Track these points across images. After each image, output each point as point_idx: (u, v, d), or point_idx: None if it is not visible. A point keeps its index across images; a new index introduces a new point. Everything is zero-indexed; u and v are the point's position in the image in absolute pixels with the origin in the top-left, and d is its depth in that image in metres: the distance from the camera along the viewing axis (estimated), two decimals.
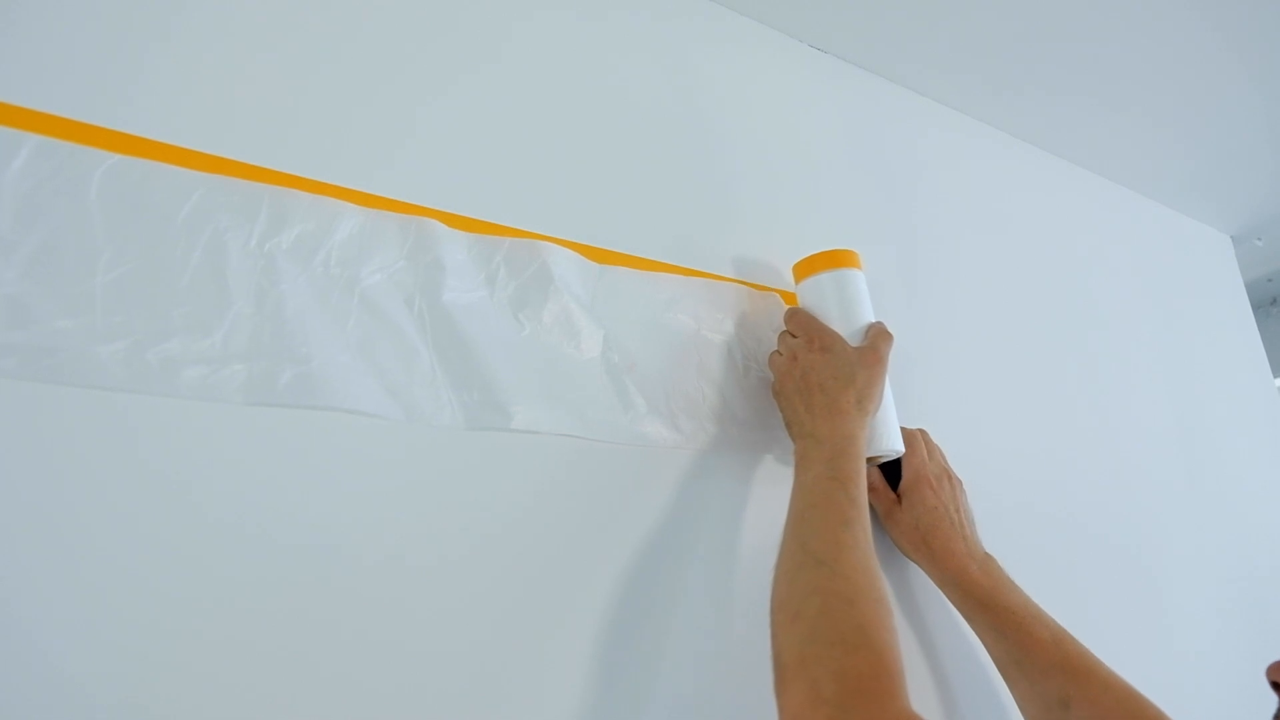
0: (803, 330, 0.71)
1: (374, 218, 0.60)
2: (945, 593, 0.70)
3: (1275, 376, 1.50)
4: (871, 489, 0.74)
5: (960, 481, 0.75)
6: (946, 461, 0.76)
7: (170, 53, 0.56)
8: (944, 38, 0.99)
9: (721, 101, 0.86)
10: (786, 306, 0.77)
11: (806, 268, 0.75)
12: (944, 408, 0.86)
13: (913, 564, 0.74)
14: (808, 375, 0.68)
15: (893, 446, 0.71)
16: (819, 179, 0.91)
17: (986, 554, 0.71)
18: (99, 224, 0.50)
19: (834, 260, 0.74)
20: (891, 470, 0.75)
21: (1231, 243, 1.56)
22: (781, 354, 0.72)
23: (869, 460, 0.72)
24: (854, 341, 0.70)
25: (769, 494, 0.70)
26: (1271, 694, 0.56)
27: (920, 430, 0.77)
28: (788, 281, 0.79)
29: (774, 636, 0.52)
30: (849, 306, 0.72)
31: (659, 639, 0.61)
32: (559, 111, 0.73)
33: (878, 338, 0.70)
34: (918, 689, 0.71)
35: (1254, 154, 1.32)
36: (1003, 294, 1.04)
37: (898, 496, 0.74)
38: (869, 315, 0.73)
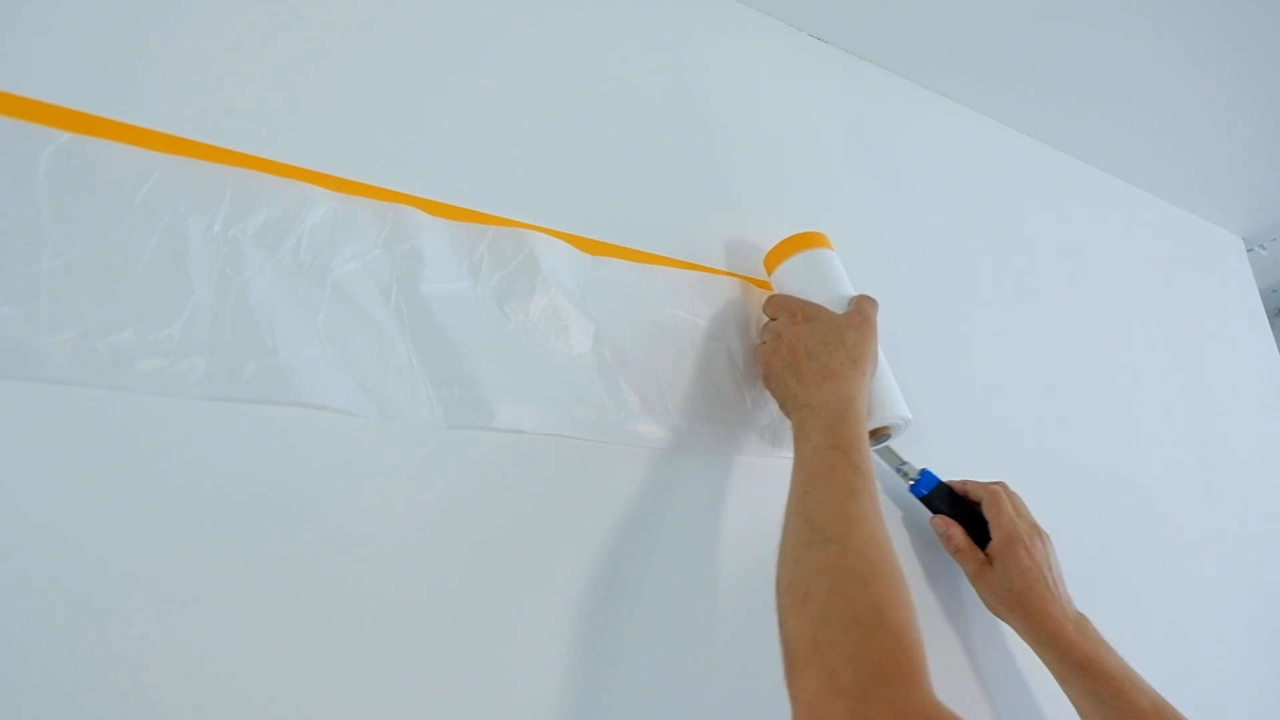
0: (782, 309, 0.68)
1: (347, 203, 0.56)
2: (1039, 654, 0.66)
3: None
4: (958, 550, 0.70)
5: (1049, 536, 0.71)
6: (1032, 516, 0.72)
7: (127, 26, 0.53)
8: (950, 31, 0.96)
9: (720, 90, 0.83)
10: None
11: (777, 255, 0.72)
12: (951, 405, 0.82)
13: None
14: (795, 347, 0.64)
15: (898, 413, 0.67)
16: (820, 171, 0.88)
17: (1079, 613, 0.67)
18: (46, 206, 0.46)
19: (803, 242, 0.71)
20: (974, 524, 0.71)
21: (1243, 244, 1.54)
22: (764, 340, 0.68)
23: (875, 433, 0.69)
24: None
25: (769, 497, 0.65)
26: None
27: (1001, 484, 0.73)
28: None
29: (782, 621, 0.48)
30: (826, 283, 0.70)
31: (653, 648, 0.57)
32: (549, 96, 0.70)
33: (862, 301, 0.68)
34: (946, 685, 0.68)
35: (1265, 155, 1.29)
36: (1010, 288, 1.01)
37: (987, 556, 0.69)
38: (849, 290, 0.70)
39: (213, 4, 0.57)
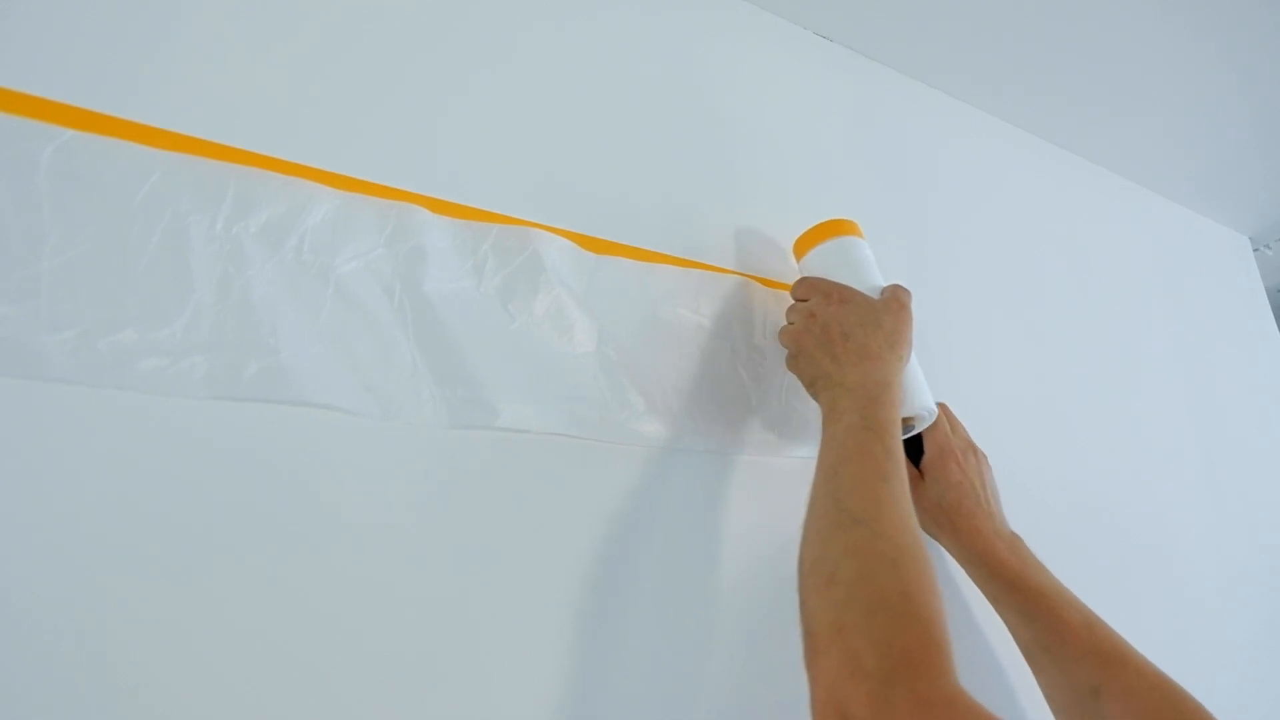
0: (816, 290, 0.67)
1: (350, 202, 0.56)
2: (969, 572, 0.66)
3: None
4: None
5: (985, 456, 0.71)
6: (969, 435, 0.72)
7: (130, 22, 0.53)
8: (956, 31, 0.95)
9: (724, 89, 0.82)
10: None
11: (807, 241, 0.71)
12: (954, 403, 0.81)
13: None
14: (829, 327, 0.63)
15: (924, 404, 0.66)
16: (825, 170, 0.87)
17: (1013, 533, 0.66)
18: (47, 204, 0.46)
19: (835, 229, 0.71)
20: (912, 445, 0.70)
21: (1250, 243, 1.53)
22: (793, 321, 0.67)
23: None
24: None
25: (773, 496, 0.66)
26: None
27: (941, 404, 0.72)
28: (793, 272, 0.75)
29: (804, 602, 0.47)
30: (858, 271, 0.69)
31: (656, 647, 0.56)
32: (553, 94, 0.70)
33: (897, 289, 0.66)
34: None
35: (1272, 155, 1.29)
36: (1015, 287, 1.00)
37: (920, 472, 0.69)
38: (880, 279, 0.69)
39: (216, 1, 0.56)
